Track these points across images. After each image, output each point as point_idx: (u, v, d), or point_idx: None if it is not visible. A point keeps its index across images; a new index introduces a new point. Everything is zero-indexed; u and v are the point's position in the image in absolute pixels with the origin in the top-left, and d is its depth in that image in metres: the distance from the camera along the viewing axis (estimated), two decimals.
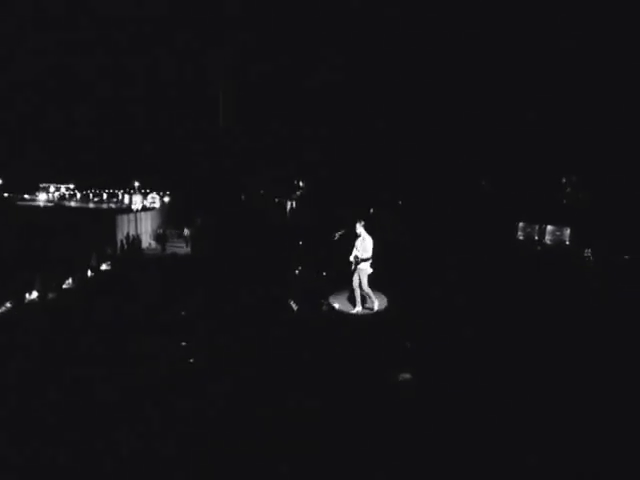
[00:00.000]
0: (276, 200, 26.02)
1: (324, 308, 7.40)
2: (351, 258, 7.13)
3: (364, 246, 7.00)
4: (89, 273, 12.38)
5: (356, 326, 6.75)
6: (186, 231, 20.04)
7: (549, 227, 9.87)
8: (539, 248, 9.91)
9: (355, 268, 7.12)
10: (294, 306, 7.43)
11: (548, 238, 9.90)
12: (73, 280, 11.21)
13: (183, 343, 6.30)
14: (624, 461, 3.57)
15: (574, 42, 12.70)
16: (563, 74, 12.75)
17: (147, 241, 20.05)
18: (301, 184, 29.10)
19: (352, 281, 7.22)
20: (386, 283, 8.01)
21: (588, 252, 9.09)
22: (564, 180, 12.73)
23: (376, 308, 7.22)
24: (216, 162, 25.81)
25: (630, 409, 4.28)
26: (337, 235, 7.39)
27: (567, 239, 9.60)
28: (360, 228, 7.07)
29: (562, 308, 6.99)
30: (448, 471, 3.52)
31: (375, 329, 6.52)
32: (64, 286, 10.81)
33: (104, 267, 13.30)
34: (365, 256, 6.99)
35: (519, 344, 5.80)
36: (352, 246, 7.19)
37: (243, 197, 25.59)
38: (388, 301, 7.61)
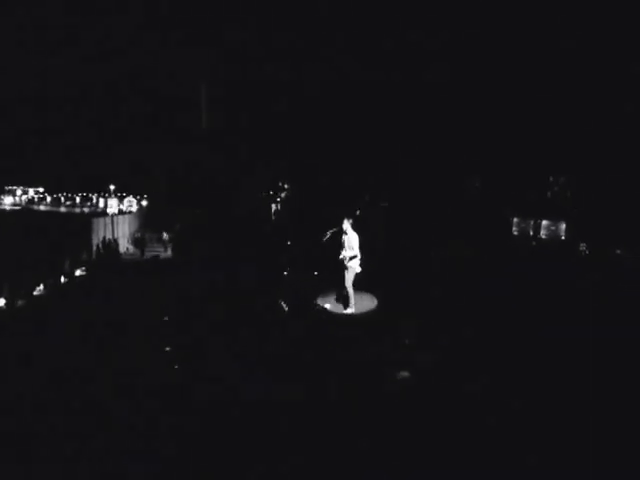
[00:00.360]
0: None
1: (317, 308, 7.40)
2: (341, 256, 7.17)
3: (349, 243, 7.06)
4: (62, 279, 11.97)
5: (349, 326, 6.73)
6: (165, 235, 19.83)
7: (544, 222, 10.02)
8: (534, 243, 10.06)
9: (346, 267, 7.14)
10: (285, 307, 7.33)
11: (543, 233, 10.04)
12: (45, 286, 10.81)
13: (167, 348, 6.11)
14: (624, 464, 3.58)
15: (559, 44, 13.02)
16: (551, 76, 13.01)
17: (125, 245, 19.72)
18: (286, 186, 29.04)
19: (344, 281, 7.19)
20: (384, 283, 8.03)
21: (583, 246, 9.28)
22: (551, 179, 12.98)
23: (349, 311, 7.20)
24: (196, 164, 25.53)
25: (631, 410, 4.31)
26: (329, 234, 7.32)
27: (562, 233, 9.76)
28: (347, 224, 7.14)
29: (561, 306, 7.05)
30: (447, 470, 3.52)
31: (370, 328, 6.50)
32: (35, 293, 10.40)
33: (78, 272, 12.89)
34: (351, 254, 7.03)
35: (519, 343, 5.82)
36: (341, 244, 7.23)
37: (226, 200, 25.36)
38: (378, 302, 7.58)
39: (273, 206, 26.42)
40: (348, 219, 7.20)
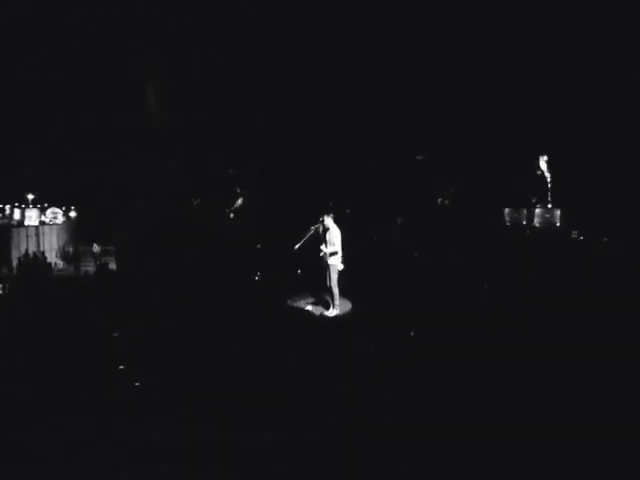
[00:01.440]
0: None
1: (306, 309, 7.59)
2: (321, 253, 7.39)
3: (330, 238, 7.29)
4: None
5: (339, 326, 6.83)
6: (95, 247, 19.09)
7: (537, 210, 10.43)
8: (528, 232, 10.43)
9: (326, 265, 7.33)
10: (268, 308, 7.22)
11: (537, 221, 10.45)
12: None
13: (121, 367, 5.83)
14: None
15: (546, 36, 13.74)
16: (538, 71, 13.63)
17: (53, 260, 18.67)
18: (242, 192, 28.74)
19: (327, 281, 7.36)
20: (364, 283, 8.06)
21: (575, 233, 9.82)
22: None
23: (334, 312, 7.32)
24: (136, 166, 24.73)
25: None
26: (313, 229, 7.46)
27: (557, 221, 10.22)
28: (328, 220, 7.40)
29: (560, 300, 7.27)
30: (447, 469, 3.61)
31: (364, 327, 6.53)
32: None
33: None
34: (332, 249, 7.23)
35: (520, 340, 5.94)
36: (322, 239, 7.45)
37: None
38: (353, 305, 7.71)
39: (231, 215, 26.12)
40: (328, 214, 7.46)
